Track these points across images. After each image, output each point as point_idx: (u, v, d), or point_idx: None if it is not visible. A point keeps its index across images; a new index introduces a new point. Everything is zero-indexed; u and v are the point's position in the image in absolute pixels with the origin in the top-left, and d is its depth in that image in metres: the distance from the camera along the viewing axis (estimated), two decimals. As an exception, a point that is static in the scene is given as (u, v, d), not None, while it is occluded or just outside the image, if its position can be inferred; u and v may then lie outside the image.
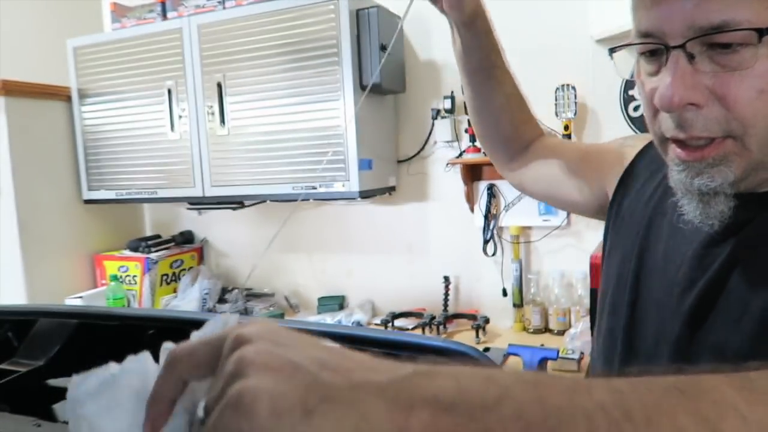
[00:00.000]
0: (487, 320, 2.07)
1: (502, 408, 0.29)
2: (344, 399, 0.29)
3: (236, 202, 2.40)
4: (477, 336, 2.03)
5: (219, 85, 2.18)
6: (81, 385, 0.35)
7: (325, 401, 0.28)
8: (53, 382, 0.80)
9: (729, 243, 0.60)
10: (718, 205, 0.57)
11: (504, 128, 0.96)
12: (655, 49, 0.57)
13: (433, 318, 2.12)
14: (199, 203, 2.47)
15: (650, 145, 0.79)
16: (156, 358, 0.37)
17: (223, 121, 2.19)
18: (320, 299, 2.47)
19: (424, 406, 0.29)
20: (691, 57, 0.54)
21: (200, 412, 0.32)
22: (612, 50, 0.64)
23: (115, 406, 0.35)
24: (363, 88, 2.01)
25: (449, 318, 2.16)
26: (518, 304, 2.15)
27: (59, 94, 2.44)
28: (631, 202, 0.78)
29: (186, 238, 2.74)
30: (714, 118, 0.54)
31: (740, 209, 0.58)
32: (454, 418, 0.29)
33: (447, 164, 2.25)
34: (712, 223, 0.59)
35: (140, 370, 0.36)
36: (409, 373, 0.30)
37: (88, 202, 2.52)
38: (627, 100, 1.98)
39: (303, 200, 2.24)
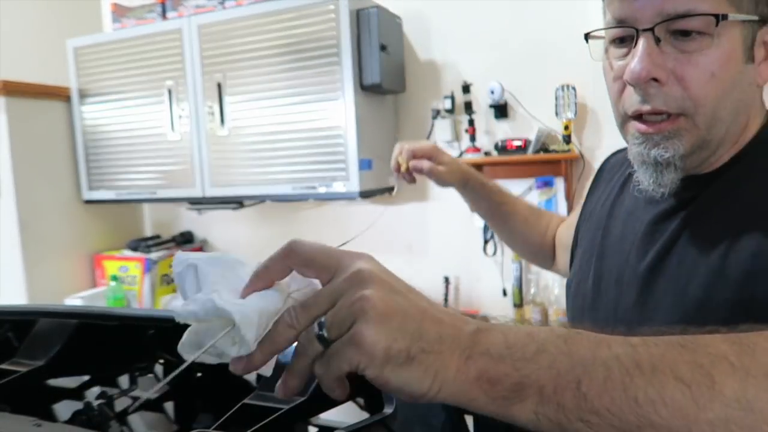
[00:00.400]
0: (487, 320, 2.07)
1: (539, 359, 0.38)
2: (434, 350, 0.38)
3: (236, 202, 2.40)
4: (477, 336, 2.03)
5: (219, 86, 2.18)
6: (188, 252, 0.43)
7: (423, 351, 0.38)
8: (53, 382, 0.80)
9: (676, 218, 0.70)
10: (669, 174, 0.67)
11: (533, 241, 1.11)
12: (624, 36, 0.67)
13: (433, 318, 2.11)
14: (199, 203, 2.47)
15: (611, 156, 0.95)
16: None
17: (223, 121, 2.19)
18: (320, 299, 2.47)
19: (480, 357, 0.39)
20: (657, 40, 0.63)
21: (316, 327, 0.39)
22: (587, 35, 0.73)
23: (219, 267, 0.42)
24: (363, 88, 2.01)
25: (449, 318, 2.16)
26: (518, 304, 2.15)
27: (59, 94, 2.45)
28: (596, 201, 0.90)
29: (186, 238, 2.74)
30: (672, 96, 0.64)
31: (685, 189, 0.69)
32: (501, 367, 0.38)
33: (447, 164, 2.25)
34: (663, 192, 0.68)
35: (241, 260, 0.43)
36: (473, 329, 0.40)
37: (88, 202, 2.52)
38: (627, 100, 1.98)
39: (303, 199, 2.24)
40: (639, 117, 0.67)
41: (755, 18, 0.64)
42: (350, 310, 0.38)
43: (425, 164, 1.04)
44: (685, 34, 0.62)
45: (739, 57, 0.64)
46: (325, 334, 0.38)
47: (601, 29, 0.70)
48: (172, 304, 2.47)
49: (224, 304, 0.38)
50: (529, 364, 0.38)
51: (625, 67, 0.65)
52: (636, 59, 0.63)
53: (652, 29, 0.63)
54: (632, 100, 0.67)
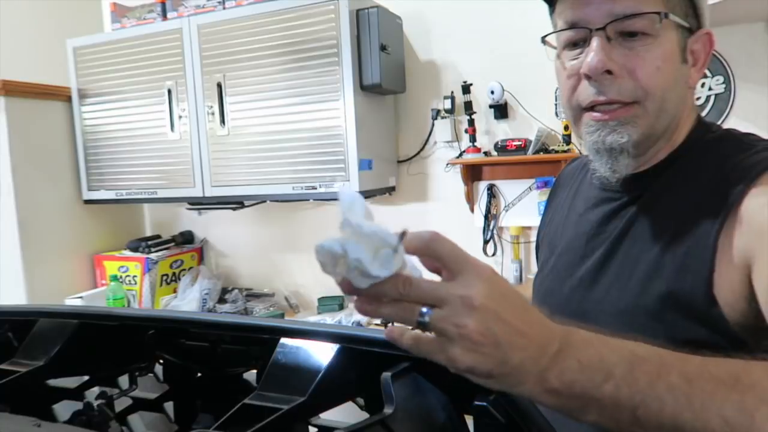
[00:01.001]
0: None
1: (604, 387, 0.46)
2: (513, 373, 0.46)
3: (236, 203, 2.40)
4: (477, 336, 2.03)
5: (219, 85, 2.18)
6: None
7: (502, 374, 0.46)
8: (53, 382, 0.80)
9: (621, 218, 0.77)
10: (623, 160, 0.73)
11: None
12: (577, 39, 0.74)
13: (433, 318, 2.11)
14: (199, 203, 2.47)
15: (569, 164, 1.03)
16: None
17: (223, 121, 2.19)
18: (320, 299, 2.47)
19: (555, 379, 0.47)
20: (608, 39, 0.71)
21: (419, 311, 0.45)
22: (543, 38, 0.79)
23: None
24: (363, 88, 2.01)
25: (449, 318, 2.16)
26: (518, 304, 2.15)
27: (59, 94, 2.44)
28: (556, 208, 0.96)
29: (186, 239, 2.74)
30: (625, 87, 0.71)
31: (629, 189, 0.77)
32: (570, 391, 0.46)
33: (447, 164, 2.25)
34: (618, 177, 0.75)
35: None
36: (555, 350, 0.47)
37: (88, 202, 2.52)
38: (627, 100, 1.98)
39: (304, 200, 2.24)
40: (592, 108, 0.74)
41: (686, 25, 0.73)
42: (451, 330, 0.45)
43: None
44: (632, 34, 0.70)
45: (677, 56, 0.73)
46: (427, 320, 0.45)
47: (557, 31, 0.76)
48: (173, 305, 2.47)
49: (395, 236, 0.44)
50: (595, 390, 0.46)
51: (579, 65, 0.73)
52: (592, 54, 0.71)
53: (603, 28, 0.70)
54: (587, 93, 0.73)
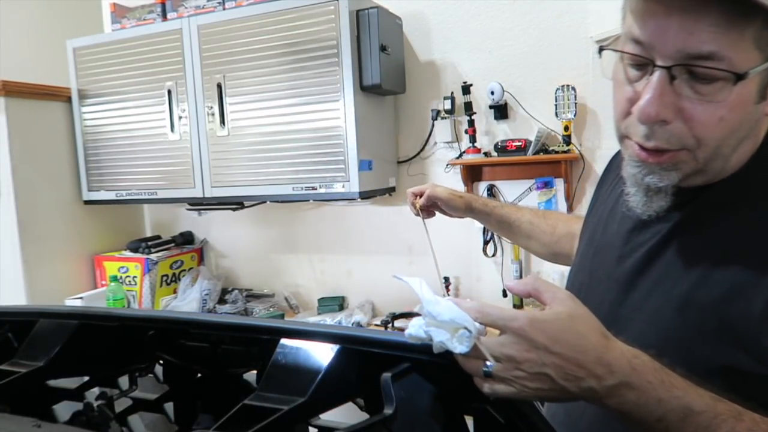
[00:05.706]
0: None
1: (657, 426, 0.53)
2: (574, 398, 0.55)
3: (236, 203, 2.40)
4: (477, 336, 2.03)
5: (219, 86, 2.18)
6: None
7: (566, 399, 0.55)
8: (53, 382, 0.80)
9: (666, 223, 0.70)
10: (659, 201, 0.67)
11: (544, 240, 1.19)
12: (639, 62, 0.62)
13: (433, 318, 2.11)
14: (199, 204, 2.47)
15: (616, 154, 0.93)
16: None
17: (223, 121, 2.19)
18: (320, 300, 2.47)
19: (613, 405, 0.54)
20: (672, 78, 0.59)
21: (486, 365, 0.55)
22: (602, 49, 0.68)
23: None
24: (363, 88, 2.01)
25: (449, 318, 2.16)
26: (518, 305, 2.15)
27: (59, 95, 2.45)
28: (602, 195, 0.92)
29: (186, 239, 2.74)
30: (676, 134, 0.62)
31: (678, 192, 0.68)
32: (627, 415, 0.54)
33: (447, 165, 2.25)
34: (651, 215, 0.69)
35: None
36: (614, 383, 0.53)
37: (88, 202, 2.52)
38: (627, 100, 1.97)
39: (304, 200, 2.24)
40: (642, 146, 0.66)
41: None
42: (511, 380, 0.54)
43: (425, 192, 1.24)
44: (704, 77, 0.58)
45: (752, 100, 0.60)
46: (490, 373, 0.54)
47: (616, 50, 0.66)
48: (173, 305, 2.47)
49: (466, 315, 0.55)
50: (648, 423, 0.54)
51: (635, 94, 0.63)
52: (647, 99, 0.60)
53: (669, 68, 0.59)
54: (635, 130, 0.64)
